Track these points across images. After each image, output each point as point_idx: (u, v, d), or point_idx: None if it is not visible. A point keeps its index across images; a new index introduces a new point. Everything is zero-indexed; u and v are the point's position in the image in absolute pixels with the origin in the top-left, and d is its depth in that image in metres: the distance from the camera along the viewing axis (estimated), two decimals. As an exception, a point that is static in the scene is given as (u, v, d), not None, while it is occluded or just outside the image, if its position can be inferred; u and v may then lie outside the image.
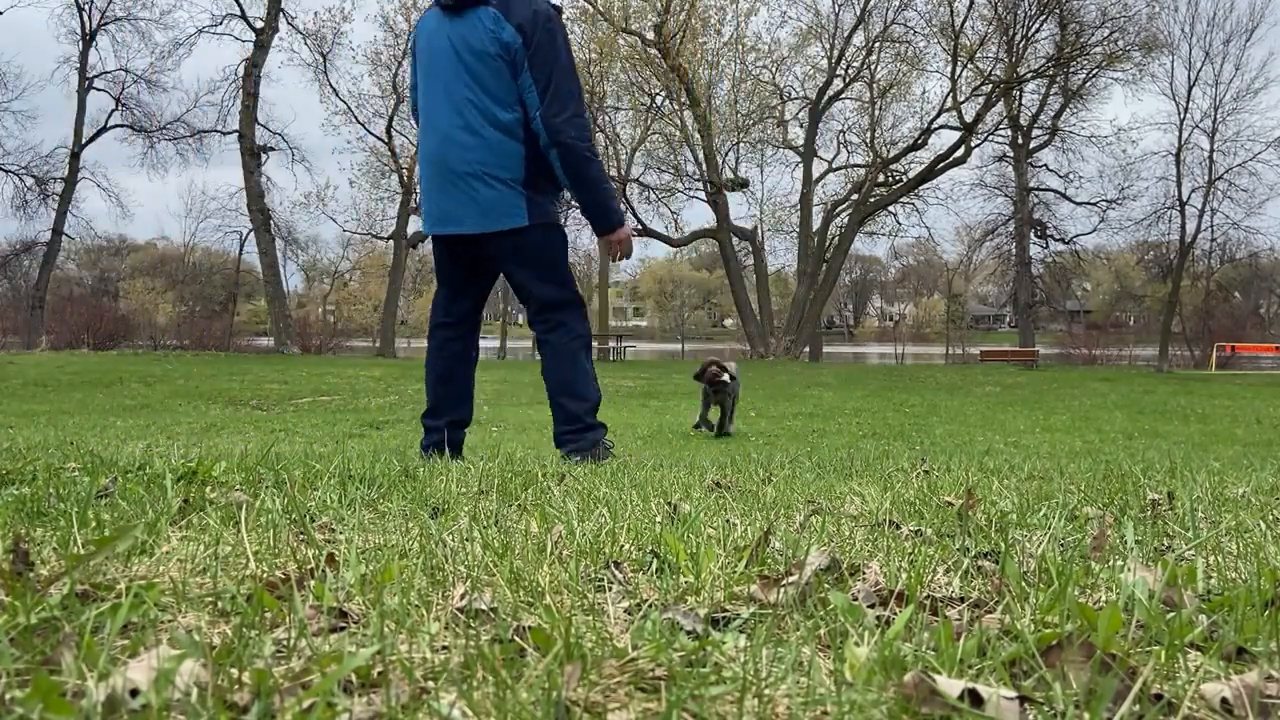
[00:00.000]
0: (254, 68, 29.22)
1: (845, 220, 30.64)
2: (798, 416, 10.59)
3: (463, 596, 1.06)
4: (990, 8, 28.84)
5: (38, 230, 32.68)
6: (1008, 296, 39.93)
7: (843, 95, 31.13)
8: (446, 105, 3.57)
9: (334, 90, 33.04)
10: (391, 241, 33.57)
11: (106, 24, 31.67)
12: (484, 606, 1.03)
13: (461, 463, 2.99)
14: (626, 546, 1.39)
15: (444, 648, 0.91)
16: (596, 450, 3.52)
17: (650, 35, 27.35)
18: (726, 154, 30.33)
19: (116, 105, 32.21)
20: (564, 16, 3.65)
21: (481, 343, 4.05)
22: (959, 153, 29.70)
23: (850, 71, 30.35)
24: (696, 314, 72.36)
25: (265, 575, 1.15)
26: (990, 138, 32.34)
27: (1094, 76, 30.61)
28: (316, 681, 0.78)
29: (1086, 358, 33.04)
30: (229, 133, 30.88)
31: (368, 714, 0.74)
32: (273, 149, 30.72)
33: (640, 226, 30.71)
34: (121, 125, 32.62)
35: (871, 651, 0.86)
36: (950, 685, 0.76)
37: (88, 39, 31.45)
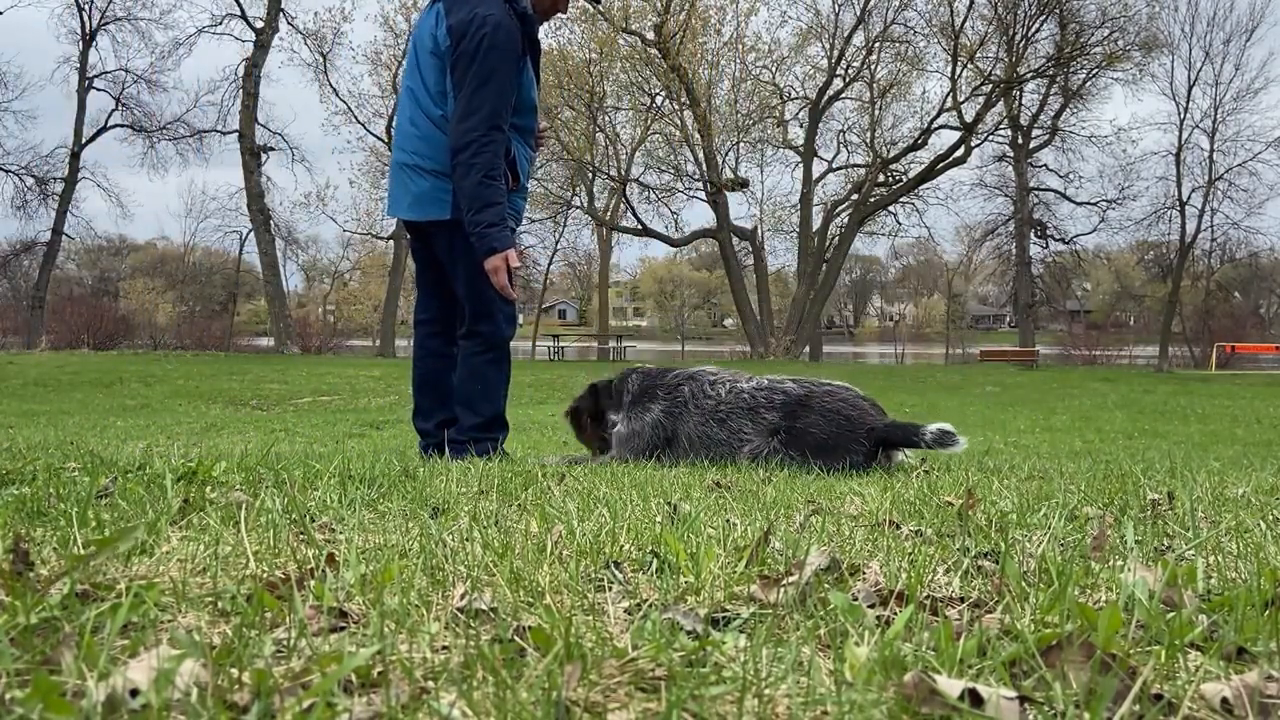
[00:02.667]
0: (254, 68, 29.22)
1: (845, 220, 30.65)
2: (798, 416, 10.57)
3: (463, 596, 1.06)
4: (990, 8, 28.84)
5: (38, 230, 32.70)
6: (1008, 296, 39.94)
7: (843, 95, 31.14)
8: (403, 95, 3.63)
9: (334, 90, 33.08)
10: (391, 241, 33.57)
11: (106, 24, 31.68)
12: (484, 606, 1.03)
13: (461, 462, 2.99)
14: (626, 546, 1.39)
15: (444, 648, 0.91)
16: (486, 453, 3.48)
17: (650, 35, 27.34)
18: (726, 154, 30.34)
19: (116, 105, 32.22)
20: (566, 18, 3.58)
21: None
22: (959, 153, 29.70)
23: (850, 71, 30.35)
24: (696, 314, 72.32)
25: (265, 575, 1.15)
26: (990, 138, 32.36)
27: (1094, 76, 30.64)
28: (316, 681, 0.78)
29: (1086, 358, 33.02)
30: (229, 133, 30.89)
31: (368, 714, 0.74)
32: (273, 149, 30.72)
33: (641, 226, 30.72)
34: (121, 125, 32.64)
35: (871, 651, 0.86)
36: (950, 685, 0.76)
37: (88, 39, 31.45)
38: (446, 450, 3.55)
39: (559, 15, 3.78)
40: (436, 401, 3.76)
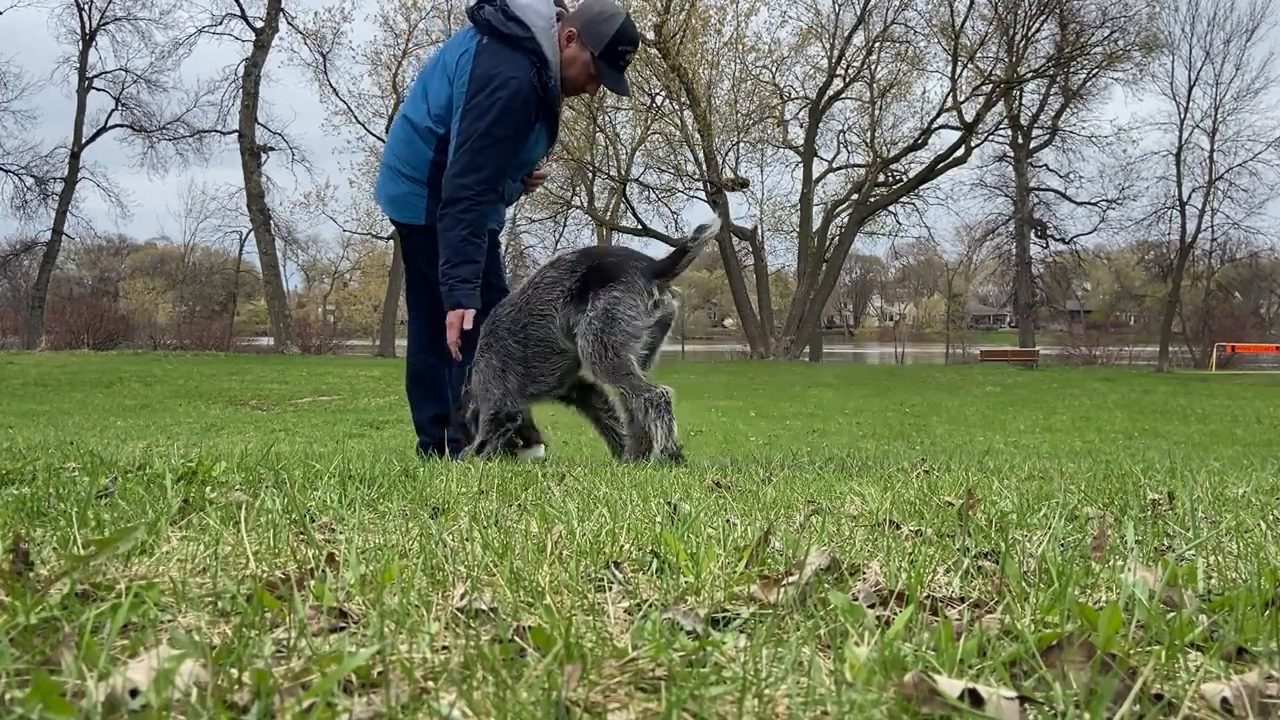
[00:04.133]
0: (254, 68, 29.24)
1: (845, 220, 30.65)
2: (798, 416, 10.59)
3: (463, 596, 1.06)
4: (990, 8, 28.85)
5: (38, 230, 32.72)
6: (1008, 296, 39.92)
7: (843, 95, 31.13)
8: (411, 91, 3.66)
9: (334, 90, 33.11)
10: (391, 241, 33.57)
11: (106, 24, 31.69)
12: (484, 606, 1.03)
13: (461, 462, 2.99)
14: (626, 546, 1.39)
15: (444, 648, 0.91)
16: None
17: (650, 35, 27.34)
18: (726, 154, 30.34)
19: (116, 105, 32.24)
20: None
21: None
22: (959, 153, 29.71)
23: (850, 71, 30.35)
24: (696, 314, 72.30)
25: (265, 575, 1.15)
26: (990, 138, 32.38)
27: (1094, 76, 30.64)
28: (316, 681, 0.78)
29: (1086, 358, 33.02)
30: (229, 133, 30.90)
31: (368, 714, 0.74)
32: (273, 149, 30.73)
33: (640, 226, 30.70)
34: (121, 125, 32.65)
35: (871, 651, 0.86)
36: (950, 685, 0.76)
37: (88, 39, 31.45)
38: (446, 450, 3.56)
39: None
40: (429, 396, 3.75)
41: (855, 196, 30.67)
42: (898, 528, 1.64)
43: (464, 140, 3.31)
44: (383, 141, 33.59)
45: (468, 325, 3.41)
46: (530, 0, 3.39)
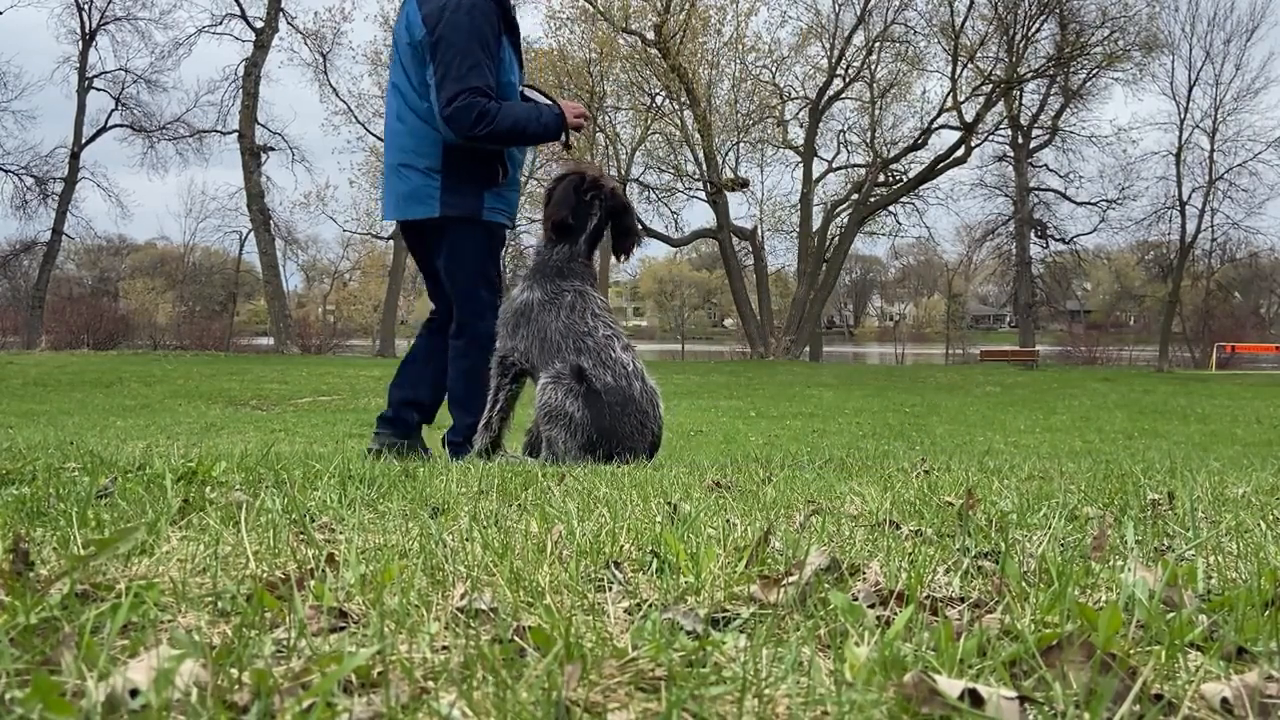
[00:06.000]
0: (254, 68, 29.22)
1: (845, 220, 30.63)
2: (798, 416, 10.60)
3: (463, 596, 1.06)
4: (990, 8, 28.84)
5: (38, 230, 32.68)
6: (1008, 296, 39.93)
7: (843, 95, 31.12)
8: (389, 93, 3.61)
9: (334, 90, 33.06)
10: (391, 241, 33.56)
11: (106, 24, 31.67)
12: (484, 606, 1.03)
13: (461, 462, 2.99)
14: (626, 546, 1.39)
15: (444, 648, 0.91)
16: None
17: (650, 35, 27.34)
18: (726, 154, 30.32)
19: (116, 105, 32.21)
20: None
21: None
22: (959, 153, 29.69)
23: (850, 71, 30.34)
24: (696, 314, 72.28)
25: (265, 575, 1.15)
26: (990, 138, 32.36)
27: (1094, 76, 30.62)
28: (316, 681, 0.78)
29: (1086, 358, 33.02)
30: (229, 133, 30.88)
31: (368, 714, 0.74)
32: (273, 149, 30.71)
33: (640, 226, 30.68)
34: (121, 125, 32.63)
35: (871, 651, 0.86)
36: (950, 685, 0.76)
37: (87, 39, 31.44)
38: (445, 450, 3.55)
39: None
40: (410, 378, 3.70)
41: (855, 196, 30.66)
42: (898, 528, 1.64)
43: (444, 74, 3.28)
44: (383, 141, 33.69)
45: (577, 113, 3.53)
46: None
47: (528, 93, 3.61)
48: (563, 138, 3.56)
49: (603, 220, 3.51)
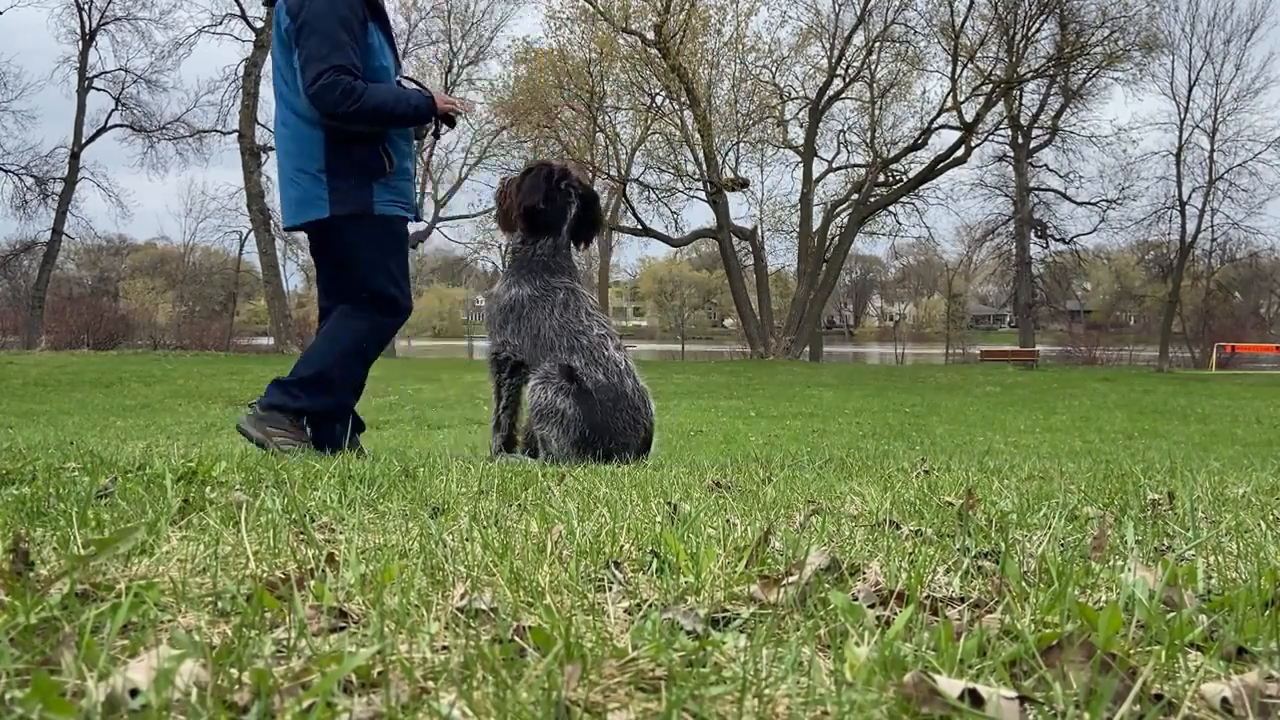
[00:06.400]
0: (254, 67, 29.21)
1: (845, 220, 30.62)
2: (798, 416, 10.60)
3: (463, 596, 1.06)
4: (990, 8, 28.82)
5: (38, 230, 32.67)
6: (1008, 296, 39.92)
7: (843, 95, 31.11)
8: (275, 102, 3.56)
9: (334, 90, 32.99)
10: (391, 241, 33.50)
11: (106, 24, 31.67)
12: (484, 606, 1.03)
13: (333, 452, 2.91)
14: (626, 546, 1.39)
15: (444, 648, 0.91)
16: (266, 432, 3.30)
17: (650, 35, 27.32)
18: (726, 154, 30.30)
19: (116, 105, 32.19)
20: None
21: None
22: (959, 153, 29.69)
23: (850, 71, 30.33)
24: (696, 314, 72.26)
25: (265, 575, 1.15)
26: (990, 138, 32.34)
27: (1094, 76, 30.61)
28: (316, 681, 0.78)
29: (1086, 358, 33.00)
30: (229, 133, 30.89)
31: (368, 714, 0.74)
32: (273, 149, 30.68)
33: (641, 226, 30.68)
34: (121, 125, 32.63)
35: (871, 651, 0.86)
36: (950, 685, 0.76)
37: (87, 39, 31.43)
38: (267, 393, 3.40)
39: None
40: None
41: (855, 196, 30.65)
42: (898, 528, 1.64)
43: (308, 55, 3.24)
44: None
45: (446, 102, 3.47)
46: None
47: (405, 82, 3.56)
48: (434, 126, 3.53)
49: (579, 210, 3.51)
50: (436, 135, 3.64)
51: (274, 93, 3.56)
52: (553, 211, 3.48)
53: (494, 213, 3.74)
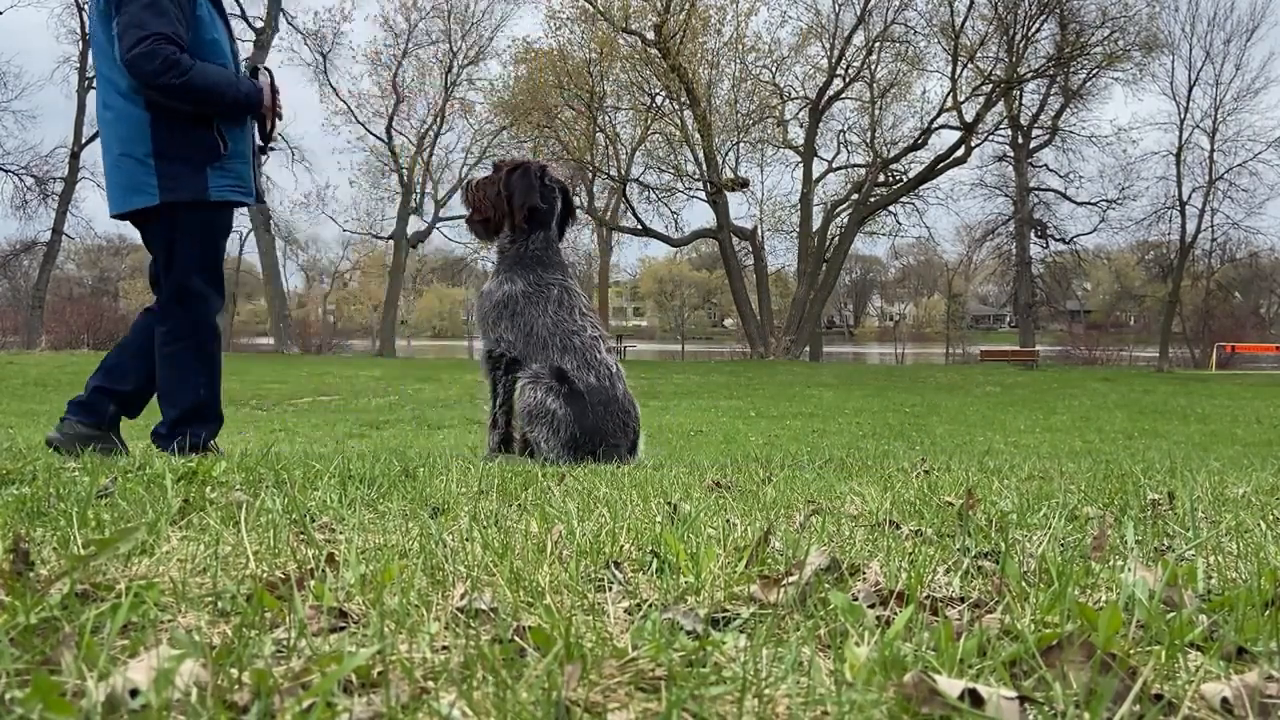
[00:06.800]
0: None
1: (845, 220, 30.63)
2: (798, 416, 10.59)
3: (463, 596, 1.06)
4: (990, 8, 28.83)
5: (38, 230, 32.67)
6: (1008, 296, 39.92)
7: (843, 95, 31.12)
8: (96, 79, 3.37)
9: (334, 90, 33.08)
10: (391, 241, 33.58)
11: (106, 24, 31.63)
12: (484, 606, 1.03)
13: (206, 458, 2.79)
14: (626, 546, 1.39)
15: (444, 648, 0.91)
16: (188, 447, 3.20)
17: (650, 35, 27.33)
18: (726, 154, 30.31)
19: (116, 105, 32.12)
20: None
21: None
22: (959, 153, 29.69)
23: (850, 71, 30.33)
24: (696, 314, 72.25)
25: (265, 575, 1.15)
26: (990, 138, 32.36)
27: (1094, 76, 30.63)
28: (316, 681, 0.78)
29: (1086, 358, 33.00)
30: (229, 132, 30.83)
31: (368, 714, 0.74)
32: (272, 149, 30.67)
33: (641, 226, 30.70)
34: (121, 125, 32.55)
35: (871, 651, 0.86)
36: (950, 685, 0.76)
37: (88, 39, 31.38)
38: (154, 440, 3.34)
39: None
40: (114, 365, 3.43)
41: (855, 196, 30.65)
42: (898, 528, 1.64)
43: (127, 22, 3.08)
44: (383, 141, 33.79)
45: (268, 100, 3.33)
46: None
47: (260, 73, 3.45)
48: (261, 140, 3.38)
49: (562, 203, 3.52)
50: (264, 151, 3.47)
51: (95, 73, 3.36)
52: (548, 208, 3.49)
53: (469, 218, 3.64)
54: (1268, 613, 0.99)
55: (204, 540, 1.36)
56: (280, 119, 3.46)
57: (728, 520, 1.64)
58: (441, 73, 33.08)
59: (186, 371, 3.29)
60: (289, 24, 31.38)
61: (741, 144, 30.95)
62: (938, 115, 29.74)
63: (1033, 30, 29.42)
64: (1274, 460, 4.54)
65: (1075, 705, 0.77)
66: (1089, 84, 31.01)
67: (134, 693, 0.74)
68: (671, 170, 31.30)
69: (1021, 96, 32.03)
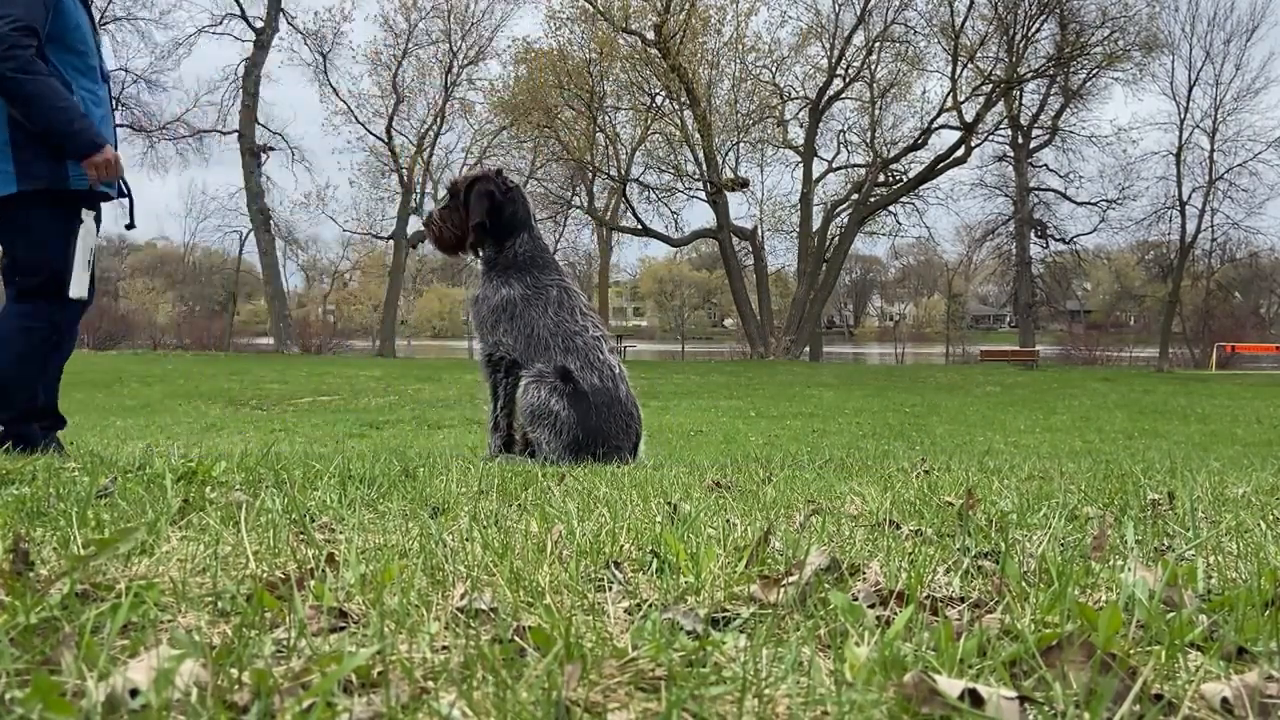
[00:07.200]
0: (254, 68, 29.26)
1: (845, 220, 30.63)
2: (798, 416, 10.59)
3: (463, 596, 1.06)
4: (990, 8, 28.83)
5: (37, 230, 32.59)
6: (1008, 296, 39.92)
7: (843, 95, 31.11)
8: None
9: (334, 90, 33.07)
10: (391, 241, 33.58)
11: (106, 24, 31.60)
12: (484, 606, 1.03)
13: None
14: (626, 546, 1.39)
15: (444, 648, 0.91)
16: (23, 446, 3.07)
17: (650, 35, 27.32)
18: (726, 154, 30.31)
19: (116, 105, 32.03)
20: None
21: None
22: (959, 153, 29.70)
23: (850, 71, 30.33)
24: (696, 314, 72.19)
25: (265, 575, 1.15)
26: (990, 138, 32.36)
27: (1094, 76, 30.63)
28: (316, 681, 0.78)
29: (1086, 358, 32.99)
30: (229, 133, 30.91)
31: (368, 714, 0.74)
32: (273, 149, 30.73)
33: (641, 226, 30.70)
34: (121, 125, 32.55)
35: (871, 651, 0.86)
36: (950, 685, 0.76)
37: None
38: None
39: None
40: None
41: (855, 196, 30.65)
42: (898, 528, 1.64)
43: None
44: (383, 141, 33.77)
45: (112, 164, 3.11)
46: None
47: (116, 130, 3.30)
48: (96, 207, 3.19)
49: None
50: (97, 220, 3.27)
51: None
52: (519, 209, 3.46)
53: (437, 245, 3.62)
54: (1268, 613, 0.99)
55: (204, 540, 1.36)
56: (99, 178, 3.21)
57: (728, 520, 1.64)
58: (441, 73, 33.09)
59: (12, 355, 3.15)
60: (289, 24, 31.41)
61: (741, 144, 30.97)
62: (938, 115, 29.75)
63: (1033, 30, 29.43)
64: (1274, 460, 4.54)
65: (1075, 705, 0.77)
66: (1089, 84, 31.03)
67: (134, 693, 0.74)
68: (671, 170, 31.31)
69: (1021, 96, 32.04)
